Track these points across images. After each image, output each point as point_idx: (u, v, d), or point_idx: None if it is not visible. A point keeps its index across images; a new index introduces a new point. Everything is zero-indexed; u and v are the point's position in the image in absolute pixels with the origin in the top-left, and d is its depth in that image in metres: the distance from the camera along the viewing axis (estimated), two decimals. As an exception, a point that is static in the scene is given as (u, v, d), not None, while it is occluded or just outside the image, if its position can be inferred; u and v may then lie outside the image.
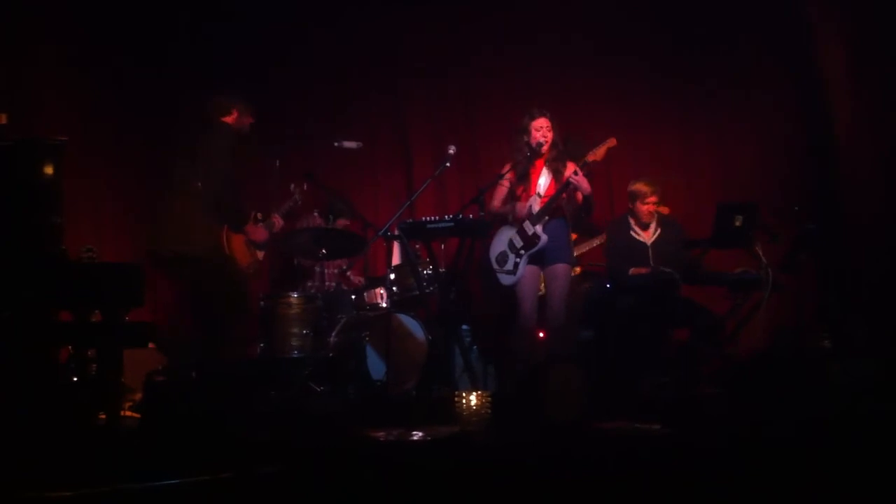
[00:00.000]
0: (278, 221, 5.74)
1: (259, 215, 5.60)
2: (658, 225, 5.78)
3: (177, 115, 6.28)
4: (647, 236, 5.76)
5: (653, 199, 5.71)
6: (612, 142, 5.21)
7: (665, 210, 5.98)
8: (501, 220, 5.38)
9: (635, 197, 5.74)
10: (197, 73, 6.69)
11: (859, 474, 3.15)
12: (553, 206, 5.14)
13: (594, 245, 6.30)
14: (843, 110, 6.42)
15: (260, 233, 5.51)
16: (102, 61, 6.41)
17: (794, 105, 6.82)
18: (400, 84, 7.40)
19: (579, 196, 5.16)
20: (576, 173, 5.06)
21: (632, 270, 5.61)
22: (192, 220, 5.04)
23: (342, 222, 6.43)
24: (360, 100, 7.35)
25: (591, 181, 5.24)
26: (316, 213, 6.47)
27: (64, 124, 5.80)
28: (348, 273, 6.54)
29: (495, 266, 5.24)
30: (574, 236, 6.18)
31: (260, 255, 5.62)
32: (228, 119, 5.28)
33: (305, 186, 6.08)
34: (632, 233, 5.77)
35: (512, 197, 5.29)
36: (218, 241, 5.10)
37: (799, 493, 3.05)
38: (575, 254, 6.17)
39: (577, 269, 6.23)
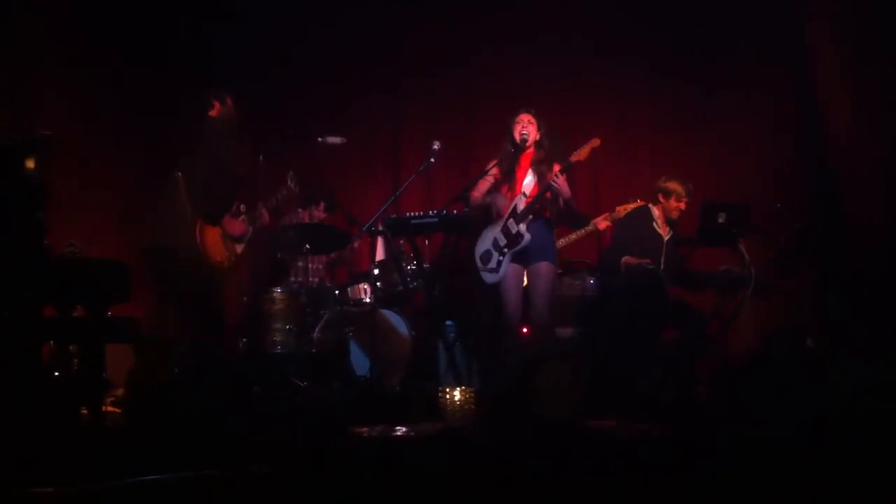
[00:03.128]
0: (265, 216, 5.71)
1: (243, 208, 5.58)
2: (671, 227, 5.79)
3: (177, 115, 6.28)
4: (665, 232, 5.76)
5: (685, 199, 5.71)
6: (595, 142, 5.15)
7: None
8: (482, 210, 5.31)
9: (669, 193, 5.70)
10: (197, 73, 6.69)
11: (859, 474, 3.14)
12: (537, 205, 5.13)
13: (573, 238, 6.24)
14: (843, 110, 6.42)
15: (237, 226, 5.49)
16: (102, 61, 6.41)
17: (794, 105, 6.83)
18: (400, 84, 7.41)
19: (560, 200, 5.15)
20: (556, 176, 5.04)
21: (625, 259, 5.60)
22: (165, 212, 5.12)
23: (318, 213, 6.42)
24: (360, 100, 7.36)
25: (572, 182, 5.20)
26: (299, 210, 6.46)
27: (64, 124, 5.82)
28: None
29: (479, 264, 5.22)
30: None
31: (238, 248, 5.59)
32: (212, 112, 5.36)
33: (293, 186, 6.07)
34: (654, 224, 5.75)
35: (495, 190, 5.27)
36: (189, 234, 5.12)
37: (799, 493, 3.05)
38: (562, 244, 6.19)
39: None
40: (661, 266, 5.55)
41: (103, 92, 6.41)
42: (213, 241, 5.30)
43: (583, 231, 6.21)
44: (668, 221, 5.77)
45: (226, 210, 5.42)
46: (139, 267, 4.72)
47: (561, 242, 6.22)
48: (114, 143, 6.47)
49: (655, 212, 5.78)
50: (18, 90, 5.71)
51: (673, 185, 5.71)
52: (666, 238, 5.74)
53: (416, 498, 3.06)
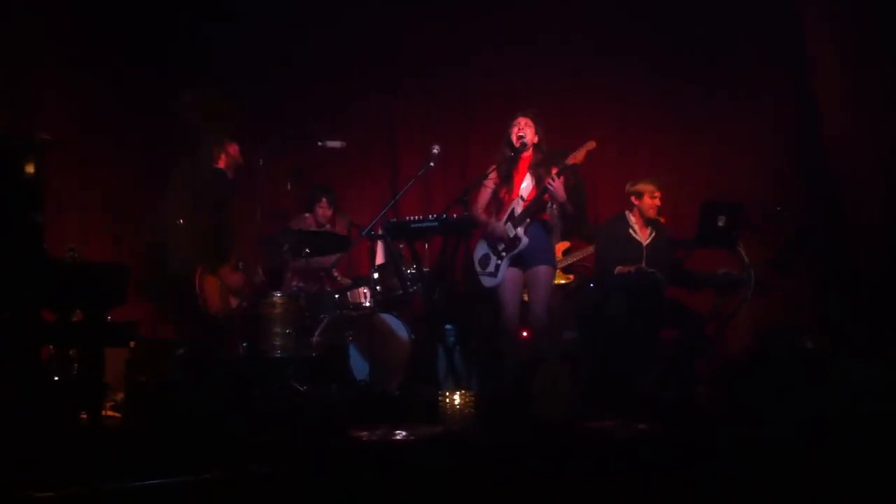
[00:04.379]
0: (260, 275, 5.76)
1: (241, 264, 5.59)
2: (653, 228, 5.79)
3: (177, 116, 6.28)
4: (644, 236, 5.76)
5: (658, 194, 5.74)
6: (591, 144, 5.13)
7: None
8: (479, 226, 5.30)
9: (641, 194, 5.74)
10: (197, 73, 6.69)
11: (859, 474, 3.14)
12: (534, 209, 5.11)
13: (589, 253, 6.25)
14: (843, 110, 6.42)
15: (235, 278, 5.50)
16: (102, 61, 6.40)
17: (793, 105, 6.82)
18: (400, 84, 7.41)
19: (556, 203, 5.12)
20: (552, 179, 5.02)
21: (618, 269, 5.61)
22: (173, 246, 5.13)
23: (323, 211, 6.40)
24: (359, 100, 7.35)
25: (575, 184, 5.20)
26: (306, 215, 6.45)
27: (64, 124, 5.82)
28: (334, 272, 6.54)
29: (477, 269, 5.21)
30: (567, 244, 6.21)
31: (234, 302, 5.60)
32: (219, 164, 5.35)
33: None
34: (630, 231, 5.77)
35: (495, 199, 5.25)
36: (189, 275, 5.11)
37: (799, 493, 3.05)
38: (570, 262, 6.21)
39: (571, 277, 6.23)
40: (645, 271, 5.57)
41: (103, 92, 6.40)
42: (211, 290, 5.30)
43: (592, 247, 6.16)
44: (649, 222, 5.77)
45: (224, 259, 5.42)
46: (138, 268, 4.72)
47: (577, 256, 6.25)
48: (114, 143, 6.46)
49: (632, 218, 5.80)
50: (18, 90, 5.70)
51: (641, 186, 5.76)
52: (646, 242, 5.75)
53: (415, 498, 3.06)
